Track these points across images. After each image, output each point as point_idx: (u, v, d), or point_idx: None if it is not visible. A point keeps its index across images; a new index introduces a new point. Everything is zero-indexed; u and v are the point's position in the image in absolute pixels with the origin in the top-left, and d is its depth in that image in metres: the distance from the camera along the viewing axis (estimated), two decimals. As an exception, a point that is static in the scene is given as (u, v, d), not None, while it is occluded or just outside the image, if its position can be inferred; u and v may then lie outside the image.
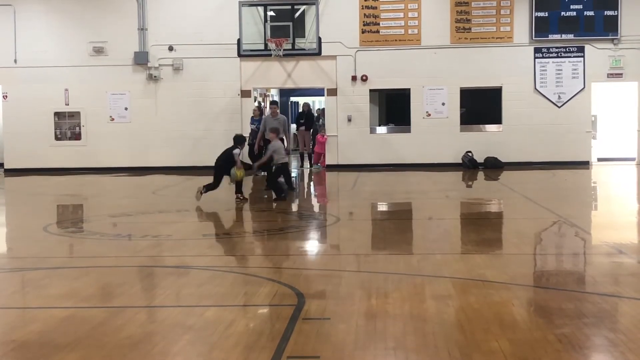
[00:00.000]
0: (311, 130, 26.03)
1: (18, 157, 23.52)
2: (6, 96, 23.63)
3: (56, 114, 23.77)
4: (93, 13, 23.42)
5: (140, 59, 23.24)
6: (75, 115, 23.77)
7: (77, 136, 23.78)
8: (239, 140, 15.35)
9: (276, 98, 29.50)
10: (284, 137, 17.84)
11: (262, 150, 17.92)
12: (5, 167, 23.82)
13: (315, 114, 27.76)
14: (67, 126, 23.83)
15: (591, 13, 22.68)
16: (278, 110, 18.55)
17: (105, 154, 23.49)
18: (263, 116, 20.15)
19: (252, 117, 20.53)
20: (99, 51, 23.38)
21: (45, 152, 23.63)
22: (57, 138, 23.78)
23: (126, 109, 23.54)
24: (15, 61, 23.51)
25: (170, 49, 23.34)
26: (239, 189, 14.96)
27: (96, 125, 23.48)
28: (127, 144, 23.40)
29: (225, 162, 14.71)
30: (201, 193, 14.54)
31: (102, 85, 23.49)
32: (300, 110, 26.69)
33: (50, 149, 23.61)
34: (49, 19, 23.57)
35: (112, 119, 23.56)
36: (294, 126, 26.13)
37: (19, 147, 23.49)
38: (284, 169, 15.78)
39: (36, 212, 14.40)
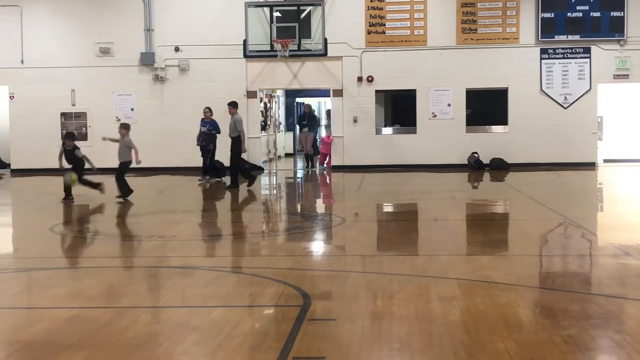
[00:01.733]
0: (314, 131, 26.10)
1: (25, 158, 23.55)
2: (13, 96, 23.67)
3: (63, 114, 23.80)
4: (99, 14, 23.46)
5: (147, 59, 23.26)
6: (81, 115, 23.80)
7: (83, 137, 23.78)
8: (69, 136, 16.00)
9: (282, 99, 29.58)
10: (241, 136, 18.10)
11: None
12: (12, 167, 23.86)
13: (317, 115, 27.80)
14: (74, 127, 23.84)
15: (597, 14, 22.63)
16: (236, 110, 18.47)
17: (112, 155, 23.42)
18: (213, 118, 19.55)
19: (203, 119, 19.49)
20: (105, 52, 23.41)
21: (52, 153, 23.57)
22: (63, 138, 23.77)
23: (132, 109, 23.56)
24: (22, 62, 23.55)
25: (177, 49, 23.36)
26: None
27: (102, 126, 23.43)
28: (133, 145, 23.37)
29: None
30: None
31: (109, 85, 23.51)
32: (302, 111, 26.72)
33: (56, 150, 23.50)
34: (56, 19, 23.61)
35: (119, 120, 23.52)
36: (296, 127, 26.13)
37: (26, 148, 23.52)
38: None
39: (42, 212, 14.42)
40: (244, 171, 18.35)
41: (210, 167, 19.25)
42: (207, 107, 19.55)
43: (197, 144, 19.41)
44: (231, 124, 17.92)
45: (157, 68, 23.34)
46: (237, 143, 17.80)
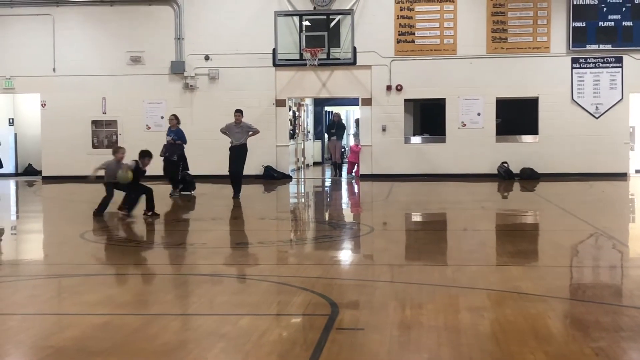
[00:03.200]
0: (342, 140, 26.12)
1: (56, 165, 23.80)
2: (45, 104, 23.95)
3: (93, 122, 24.03)
4: (130, 23, 23.68)
5: (177, 68, 23.42)
6: (112, 123, 24.01)
7: (113, 144, 24.00)
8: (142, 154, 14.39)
9: (311, 108, 29.64)
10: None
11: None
12: (43, 174, 24.12)
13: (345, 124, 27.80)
14: (104, 134, 24.07)
15: (629, 23, 22.43)
16: (242, 118, 17.86)
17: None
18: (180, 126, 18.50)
19: (169, 128, 18.54)
20: (136, 60, 23.61)
21: (83, 160, 23.84)
22: (94, 146, 24.02)
23: (162, 117, 23.69)
24: (54, 70, 23.82)
25: (207, 58, 23.50)
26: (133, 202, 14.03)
27: (133, 134, 23.67)
28: (163, 153, 23.55)
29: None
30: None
31: (139, 94, 23.70)
32: (331, 120, 26.75)
33: (87, 157, 23.82)
34: (88, 28, 23.86)
35: (149, 128, 23.75)
36: (325, 136, 26.15)
37: (57, 155, 23.77)
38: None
39: (73, 219, 14.55)
40: (176, 179, 17.97)
41: (181, 180, 18.17)
42: (173, 115, 18.66)
43: (160, 155, 17.95)
44: (239, 131, 17.57)
45: (187, 76, 23.50)
46: (245, 150, 17.68)
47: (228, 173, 17.76)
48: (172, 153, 18.07)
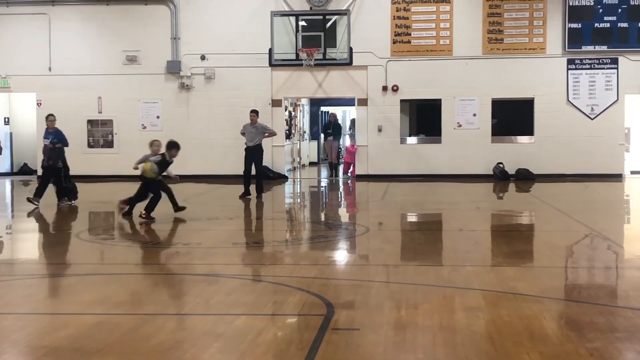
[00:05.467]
0: (339, 140, 26.15)
1: (51, 164, 23.73)
2: (40, 103, 23.91)
3: (89, 121, 24.00)
4: (127, 22, 23.66)
5: (173, 67, 23.41)
6: (107, 123, 23.99)
7: (109, 144, 24.00)
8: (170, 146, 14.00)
9: (307, 108, 29.63)
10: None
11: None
12: (39, 173, 24.03)
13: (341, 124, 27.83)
14: (100, 134, 24.05)
15: (625, 25, 22.47)
16: (257, 119, 17.71)
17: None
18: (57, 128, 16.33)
19: (47, 130, 16.29)
20: (132, 60, 23.59)
21: (78, 160, 23.78)
22: (89, 145, 24.01)
23: (158, 117, 23.72)
24: (49, 69, 23.79)
25: (203, 58, 23.49)
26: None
27: (128, 133, 23.67)
28: (159, 152, 23.54)
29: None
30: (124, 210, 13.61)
31: (135, 93, 23.69)
32: (327, 120, 26.77)
33: (83, 157, 23.81)
34: (84, 27, 23.84)
35: (144, 127, 23.74)
36: (321, 136, 26.18)
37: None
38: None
39: (68, 219, 14.54)
40: (62, 188, 16.11)
41: (63, 188, 16.14)
42: (50, 114, 16.48)
43: (42, 165, 16.16)
44: (253, 131, 17.56)
45: (183, 76, 23.48)
46: (261, 151, 17.66)
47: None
48: (55, 159, 15.89)
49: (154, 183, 13.64)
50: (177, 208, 13.87)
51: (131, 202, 13.72)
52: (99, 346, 5.72)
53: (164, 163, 13.77)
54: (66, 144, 16.16)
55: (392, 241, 11.62)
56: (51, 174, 15.96)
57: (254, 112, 17.79)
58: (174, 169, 14.37)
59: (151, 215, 13.31)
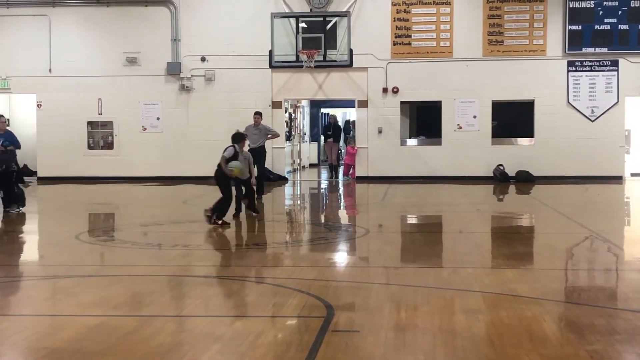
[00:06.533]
0: (339, 141, 26.15)
1: (51, 166, 23.75)
2: (40, 105, 23.91)
3: (89, 123, 23.99)
4: (127, 24, 23.65)
5: (173, 69, 23.41)
6: (108, 124, 23.98)
7: (109, 145, 24.00)
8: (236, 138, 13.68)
9: (307, 109, 29.63)
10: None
11: None
12: (39, 175, 24.07)
13: (343, 126, 27.82)
14: (100, 135, 24.05)
15: (625, 27, 22.47)
16: (261, 120, 17.66)
17: (137, 164, 23.67)
18: (9, 129, 15.64)
19: None
20: (132, 61, 23.59)
21: (78, 161, 23.85)
22: (89, 147, 24.00)
23: (158, 118, 23.71)
24: (49, 70, 23.79)
25: (203, 59, 23.49)
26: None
27: (128, 135, 23.68)
28: (159, 154, 23.56)
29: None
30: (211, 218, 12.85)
31: (135, 95, 23.68)
32: (327, 122, 26.77)
33: (83, 158, 23.84)
34: (84, 29, 23.83)
35: (145, 129, 23.74)
36: (321, 138, 26.18)
37: (53, 156, 23.72)
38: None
39: (68, 220, 14.53)
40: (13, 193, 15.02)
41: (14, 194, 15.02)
42: (1, 115, 15.48)
43: None
44: (256, 133, 17.51)
45: (184, 78, 23.48)
46: (264, 152, 17.66)
47: None
48: (9, 162, 14.88)
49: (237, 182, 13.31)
50: (222, 221, 12.88)
51: (219, 210, 12.96)
52: (99, 348, 5.72)
53: (236, 157, 13.32)
54: (18, 147, 15.30)
55: (392, 243, 11.62)
56: (5, 178, 14.85)
57: (258, 114, 17.81)
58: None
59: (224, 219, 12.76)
